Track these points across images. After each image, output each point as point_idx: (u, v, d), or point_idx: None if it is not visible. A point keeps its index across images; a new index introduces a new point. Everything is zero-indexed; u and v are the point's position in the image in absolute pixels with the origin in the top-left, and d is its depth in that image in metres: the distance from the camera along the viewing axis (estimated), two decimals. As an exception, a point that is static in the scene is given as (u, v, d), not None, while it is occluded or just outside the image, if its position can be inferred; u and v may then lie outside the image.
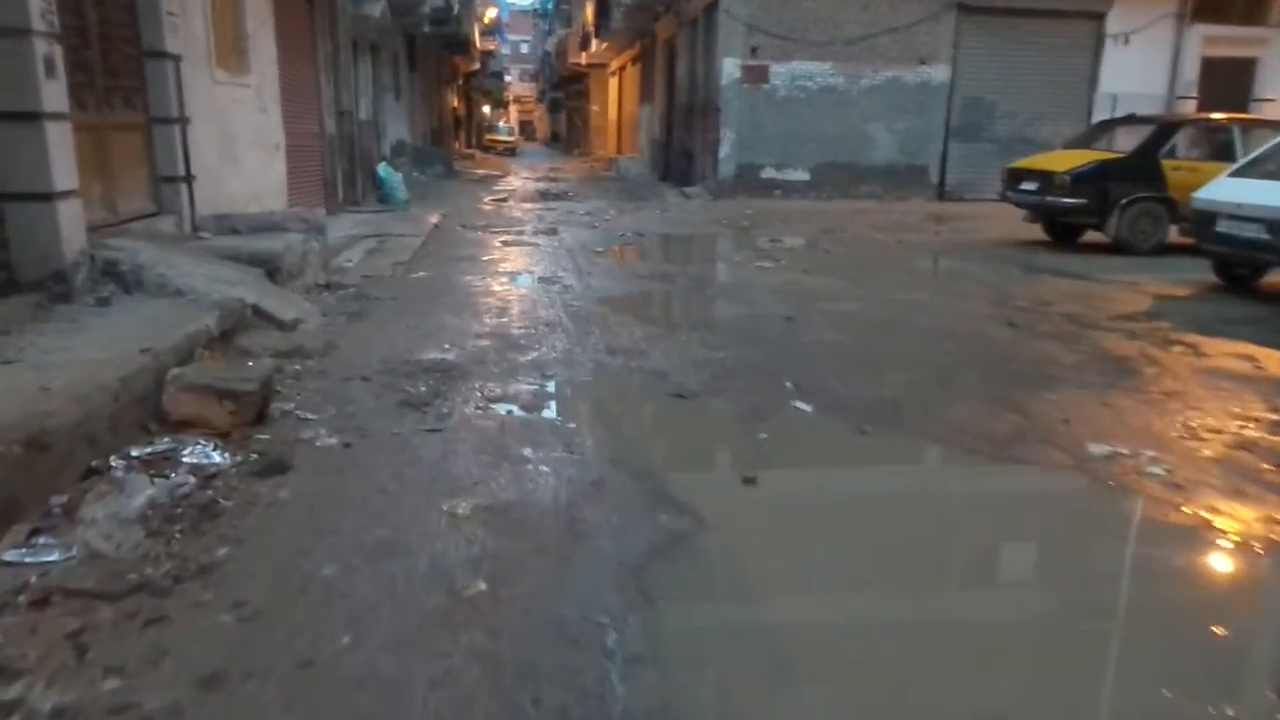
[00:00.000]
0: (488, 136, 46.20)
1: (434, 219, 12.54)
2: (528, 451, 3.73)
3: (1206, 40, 16.81)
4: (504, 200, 17.25)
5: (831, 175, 16.85)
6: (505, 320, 6.24)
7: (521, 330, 5.92)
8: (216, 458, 3.38)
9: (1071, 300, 7.61)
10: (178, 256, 5.44)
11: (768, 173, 16.71)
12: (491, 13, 37.70)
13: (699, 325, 6.55)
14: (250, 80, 8.92)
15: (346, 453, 3.64)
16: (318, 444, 3.69)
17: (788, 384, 4.79)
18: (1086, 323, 6.70)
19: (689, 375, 4.96)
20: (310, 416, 3.99)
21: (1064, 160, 10.77)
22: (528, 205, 16.00)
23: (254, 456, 3.49)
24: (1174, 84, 16.92)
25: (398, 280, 7.68)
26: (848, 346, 5.82)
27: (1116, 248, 10.54)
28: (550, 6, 53.32)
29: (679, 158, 20.44)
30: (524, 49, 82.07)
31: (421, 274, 8.12)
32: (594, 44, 33.43)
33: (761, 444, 3.96)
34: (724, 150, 16.43)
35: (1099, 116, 16.74)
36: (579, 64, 39.52)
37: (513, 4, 73.41)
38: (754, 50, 16.16)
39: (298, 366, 4.70)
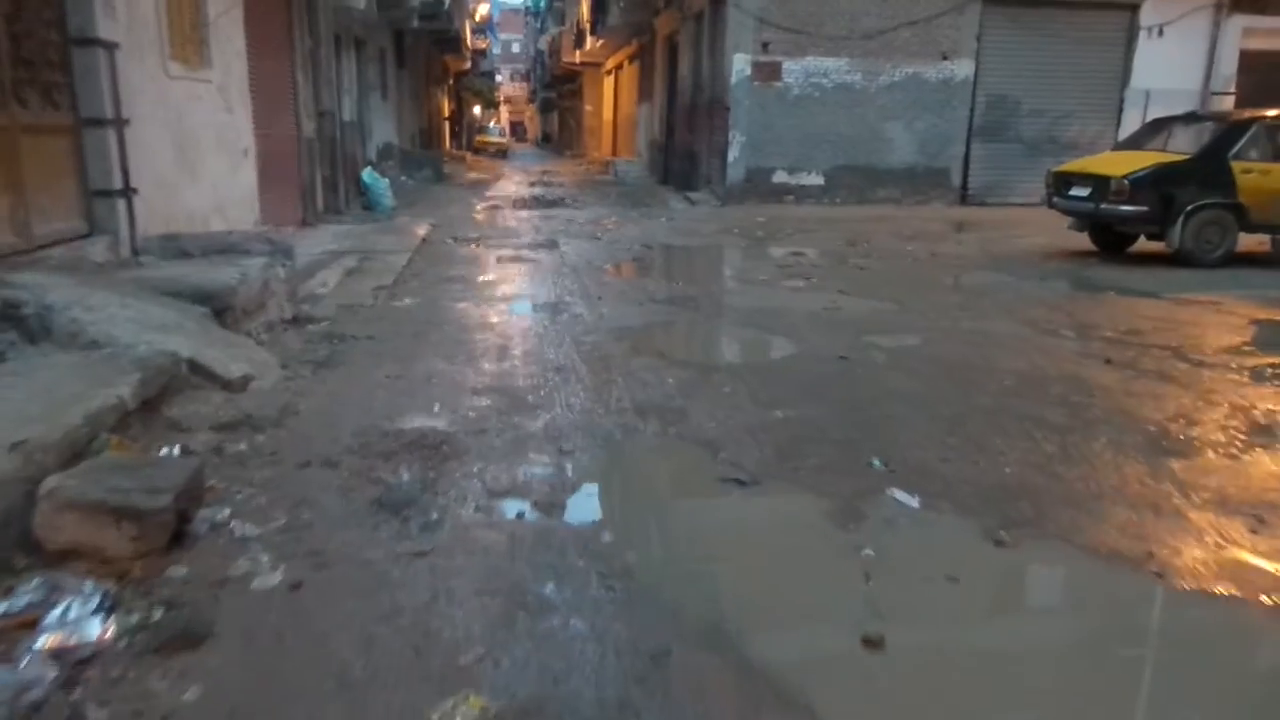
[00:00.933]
0: (478, 138, 45.06)
1: (422, 230, 11.44)
2: (550, 590, 2.65)
3: (1246, 33, 15.83)
4: (497, 207, 16.16)
5: (847, 179, 15.80)
6: (507, 366, 5.15)
7: (528, 381, 4.84)
8: (95, 627, 2.29)
9: (1160, 328, 6.57)
10: (100, 294, 4.34)
11: (779, 177, 15.66)
12: (484, 9, 36.58)
13: (740, 369, 5.49)
14: (213, 75, 7.82)
15: (294, 601, 2.55)
16: (254, 585, 2.61)
17: (875, 461, 3.73)
18: (1192, 358, 5.66)
19: (745, 448, 3.89)
20: (249, 531, 2.91)
21: (1120, 163, 9.74)
22: (523, 213, 14.91)
23: (157, 614, 2.40)
24: (1210, 79, 15.94)
25: (379, 311, 6.58)
26: (928, 399, 4.74)
27: (1177, 259, 9.52)
28: (543, 4, 52.20)
29: (681, 160, 19.39)
30: (515, 48, 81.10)
31: (407, 301, 7.02)
32: (589, 41, 32.32)
33: (868, 564, 2.89)
34: (733, 153, 15.37)
35: (1130, 114, 15.80)
36: (573, 63, 38.39)
37: (503, 2, 72.38)
38: (765, 46, 15.10)
39: (243, 446, 3.61)
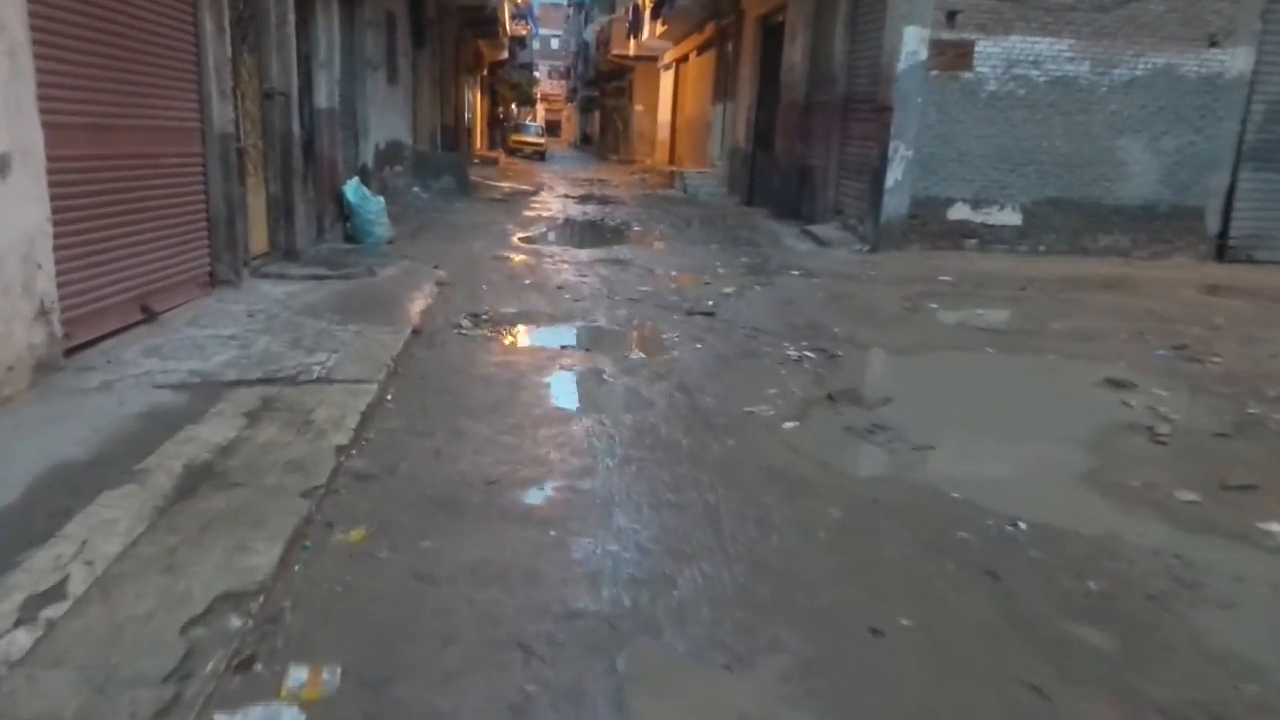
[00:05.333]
0: (514, 137, 40.24)
1: (420, 299, 6.54)
2: None
3: None
4: (540, 239, 11.25)
5: (1055, 218, 10.73)
6: None
7: None
8: None
9: None
10: None
11: (958, 211, 10.62)
12: (525, -13, 31.77)
13: None
14: None
15: None
16: None
17: None
18: None
19: None
20: None
21: None
22: (582, 255, 9.96)
23: None
24: None
25: None
26: None
27: None
28: (589, -8, 47.38)
29: (784, 178, 14.40)
30: (554, 44, 76.60)
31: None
32: (648, 28, 27.43)
33: None
34: (893, 173, 10.35)
35: None
36: (624, 55, 33.52)
37: (543, -2, 67.71)
38: (951, 17, 10.08)
39: None
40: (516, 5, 31.49)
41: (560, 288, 7.92)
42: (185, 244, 5.93)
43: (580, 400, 4.70)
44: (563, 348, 5.83)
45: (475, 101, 31.30)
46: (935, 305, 7.92)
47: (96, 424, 3.60)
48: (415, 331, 5.63)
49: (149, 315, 5.33)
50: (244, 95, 7.25)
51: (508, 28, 30.63)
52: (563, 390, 4.85)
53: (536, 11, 53.28)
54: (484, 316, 6.46)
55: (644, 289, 8.05)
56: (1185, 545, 3.28)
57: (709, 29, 21.60)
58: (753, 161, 17.06)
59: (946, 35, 10.12)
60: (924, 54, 10.10)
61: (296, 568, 2.69)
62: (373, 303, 6.33)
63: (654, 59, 31.69)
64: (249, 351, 4.79)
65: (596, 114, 55.09)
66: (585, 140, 61.10)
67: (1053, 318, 7.48)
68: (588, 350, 5.76)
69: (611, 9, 37.69)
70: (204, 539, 2.68)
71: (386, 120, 13.03)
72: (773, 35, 16.15)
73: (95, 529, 2.69)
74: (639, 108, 36.49)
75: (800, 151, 13.92)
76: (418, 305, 6.37)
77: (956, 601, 2.81)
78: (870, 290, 8.48)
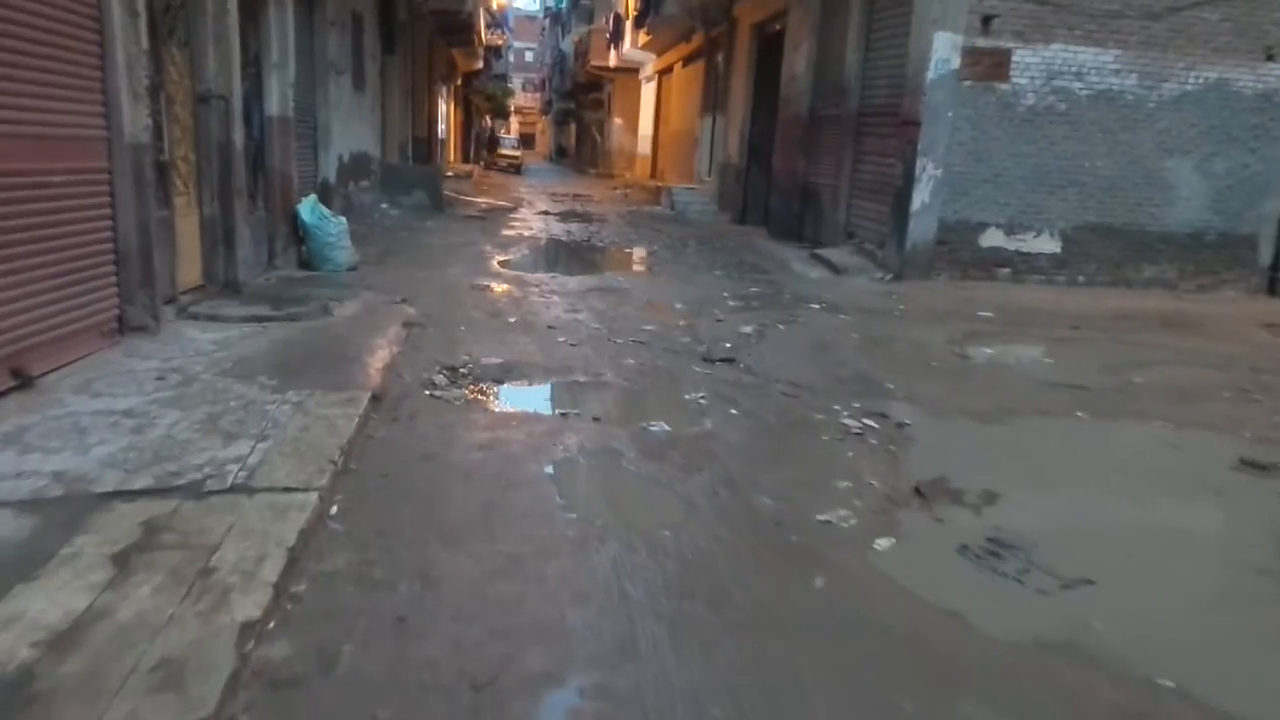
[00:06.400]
0: (499, 150, 39.06)
1: (384, 348, 5.29)
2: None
3: None
4: (524, 264, 10.02)
5: (1095, 246, 9.70)
6: None
7: None
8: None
9: None
10: None
11: (991, 237, 9.54)
12: (501, -6, 30.62)
13: None
14: None
15: None
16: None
17: None
18: None
19: None
20: None
21: None
22: (572, 284, 8.73)
23: None
24: None
25: None
26: None
27: None
28: (565, 2, 46.35)
29: (785, 196, 13.33)
30: (528, 56, 75.56)
31: None
32: (629, 39, 26.38)
33: None
34: (920, 195, 9.25)
35: None
36: (603, 66, 32.45)
37: (517, 9, 66.67)
38: (987, 22, 9.03)
39: None
40: (492, 14, 30.29)
41: (551, 327, 6.70)
42: (82, 283, 4.65)
43: (597, 507, 3.48)
44: (563, 415, 4.62)
45: (449, 112, 30.05)
46: (988, 350, 6.81)
47: None
48: (375, 397, 4.38)
49: (22, 381, 4.05)
50: (172, 98, 6.01)
51: (483, 36, 29.43)
52: (571, 489, 3.63)
53: (511, 23, 52.16)
54: (463, 370, 5.23)
55: (648, 327, 6.87)
56: None
57: (697, 39, 20.54)
58: (746, 178, 15.98)
59: (981, 42, 9.06)
60: (956, 62, 9.03)
61: None
62: (324, 354, 5.07)
63: (635, 70, 30.65)
64: (145, 438, 3.53)
65: (573, 127, 53.99)
66: (561, 153, 59.94)
67: (1129, 367, 6.39)
68: (596, 420, 4.54)
69: (590, 19, 36.62)
70: None
71: (351, 130, 11.77)
72: (769, 44, 15.11)
73: None
74: (618, 121, 35.42)
75: (803, 168, 12.85)
76: (380, 356, 5.12)
77: None
78: (908, 330, 7.34)
